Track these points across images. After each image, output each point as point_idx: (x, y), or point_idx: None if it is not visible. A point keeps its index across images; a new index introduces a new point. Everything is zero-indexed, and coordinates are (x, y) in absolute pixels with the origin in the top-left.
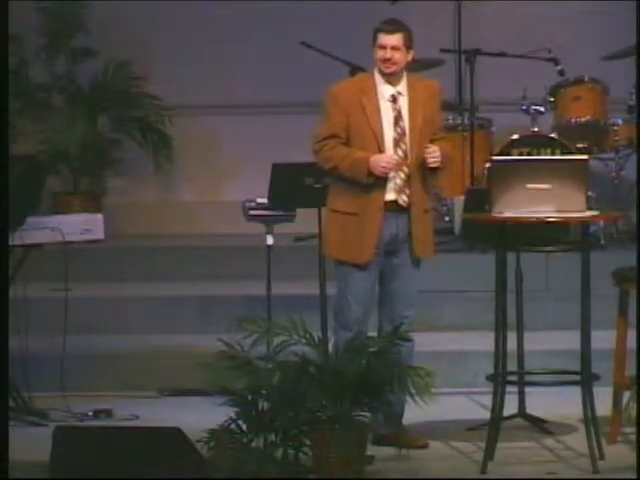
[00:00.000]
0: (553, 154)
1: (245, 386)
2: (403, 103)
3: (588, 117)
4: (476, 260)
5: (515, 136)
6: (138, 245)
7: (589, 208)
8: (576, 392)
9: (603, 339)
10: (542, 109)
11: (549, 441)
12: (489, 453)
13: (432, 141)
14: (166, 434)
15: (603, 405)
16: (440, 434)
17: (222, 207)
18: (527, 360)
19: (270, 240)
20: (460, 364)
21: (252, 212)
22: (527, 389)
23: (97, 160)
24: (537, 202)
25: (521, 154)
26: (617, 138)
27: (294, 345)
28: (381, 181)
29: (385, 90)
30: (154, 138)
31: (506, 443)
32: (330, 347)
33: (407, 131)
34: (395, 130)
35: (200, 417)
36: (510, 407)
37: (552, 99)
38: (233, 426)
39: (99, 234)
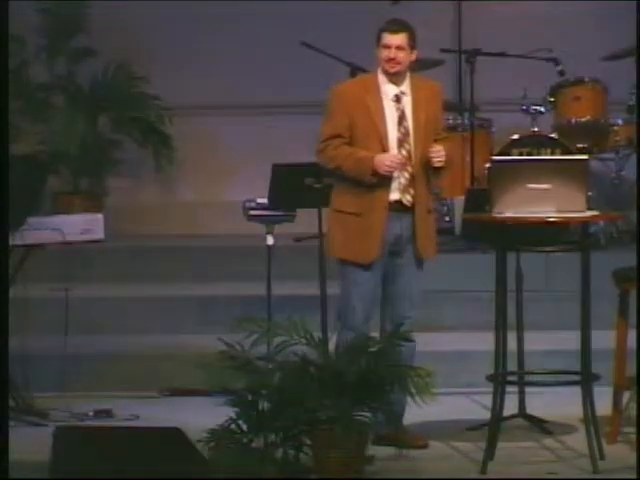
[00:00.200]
0: (553, 154)
1: (245, 386)
2: (407, 103)
3: (588, 117)
4: (476, 260)
5: (515, 136)
6: (138, 245)
7: (589, 208)
8: (576, 392)
9: (603, 339)
10: (542, 109)
11: (549, 441)
12: (489, 453)
13: (435, 141)
14: (166, 434)
15: (603, 405)
16: (440, 434)
17: (222, 207)
18: (527, 360)
19: (270, 240)
20: (460, 364)
21: (252, 212)
22: (527, 389)
23: (97, 160)
24: (537, 202)
25: (521, 154)
26: (617, 138)
27: (294, 345)
28: (385, 181)
29: (389, 90)
30: (154, 138)
31: (506, 443)
32: (331, 347)
33: (411, 131)
34: (399, 130)
35: (200, 417)
36: (510, 407)
37: (552, 99)
38: (233, 426)
39: (99, 234)
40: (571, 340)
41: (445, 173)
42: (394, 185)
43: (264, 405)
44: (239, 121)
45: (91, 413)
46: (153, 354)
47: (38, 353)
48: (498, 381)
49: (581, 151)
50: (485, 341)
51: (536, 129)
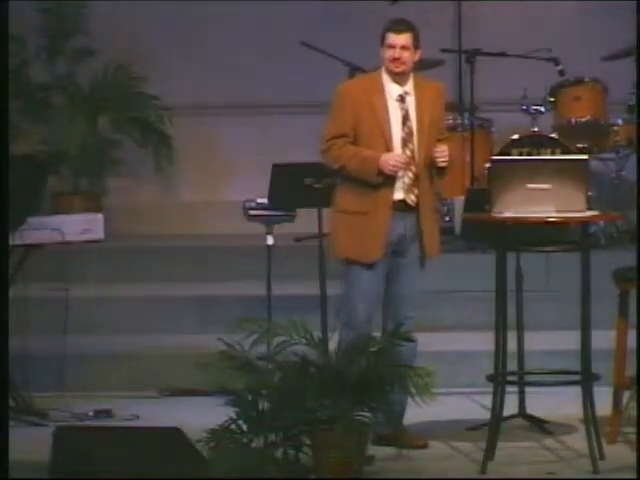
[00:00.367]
0: (553, 154)
1: (245, 386)
2: (410, 103)
3: (588, 117)
4: (476, 260)
5: (515, 136)
6: (138, 245)
7: (589, 208)
8: (576, 392)
9: (603, 339)
10: (542, 109)
11: (549, 441)
12: (489, 453)
13: (439, 141)
14: (166, 434)
15: (603, 405)
16: (440, 434)
17: (222, 207)
18: (527, 360)
19: (270, 240)
20: (460, 364)
21: (252, 212)
22: (527, 389)
23: (97, 160)
24: (537, 202)
25: (521, 154)
26: (617, 138)
27: (294, 345)
28: (390, 180)
29: (393, 89)
30: (154, 138)
31: (506, 443)
32: (331, 347)
33: (414, 131)
34: (403, 130)
35: (200, 417)
36: (510, 407)
37: (552, 99)
38: (233, 426)
39: (99, 234)
40: (571, 340)
41: (447, 173)
42: (398, 184)
43: (264, 405)
44: (239, 121)
45: (91, 413)
46: (153, 354)
47: (38, 353)
48: (498, 381)
49: (581, 151)
50: (485, 341)
51: (536, 129)
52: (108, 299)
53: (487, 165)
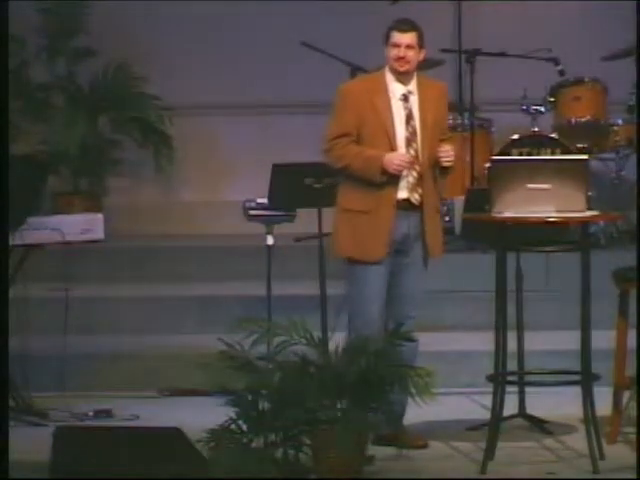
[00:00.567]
0: (553, 154)
1: (245, 386)
2: (414, 102)
3: (588, 117)
4: (476, 260)
5: (515, 136)
6: (138, 245)
7: (589, 208)
8: (576, 392)
9: (603, 339)
10: (542, 109)
11: (549, 441)
12: (489, 453)
13: (442, 141)
14: (166, 434)
15: (603, 405)
16: (440, 434)
17: (222, 207)
18: (527, 360)
19: (270, 240)
20: (460, 364)
21: (252, 212)
22: (527, 389)
23: (97, 160)
24: (537, 202)
25: (521, 154)
26: (617, 138)
27: (294, 345)
28: (393, 179)
29: (396, 89)
30: (154, 138)
31: (506, 443)
32: (331, 347)
33: (418, 130)
34: (407, 129)
35: (200, 417)
36: (510, 407)
37: (552, 99)
38: (233, 426)
39: (99, 234)
40: (571, 340)
41: (451, 173)
42: (402, 184)
43: (264, 405)
44: (239, 121)
45: (91, 413)
46: (153, 354)
47: (38, 353)
48: (498, 381)
49: (581, 151)
50: (485, 341)
51: (536, 129)
52: (108, 299)
53: (487, 165)
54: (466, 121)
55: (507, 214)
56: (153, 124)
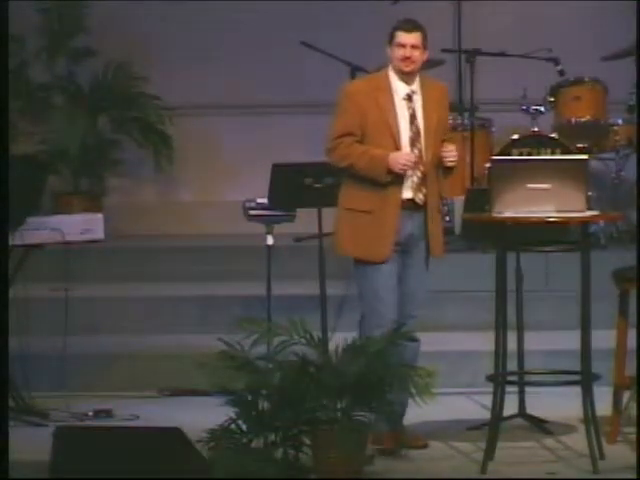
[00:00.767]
0: (553, 154)
1: (245, 386)
2: (417, 102)
3: (588, 117)
4: (476, 260)
5: (515, 136)
6: (138, 245)
7: (589, 208)
8: (576, 392)
9: (603, 339)
10: (542, 109)
11: (549, 441)
12: (489, 453)
13: (444, 141)
14: (166, 434)
15: (603, 405)
16: (440, 434)
17: (222, 207)
18: (527, 360)
19: (270, 240)
20: (460, 364)
21: (252, 212)
22: (527, 389)
23: (97, 160)
24: (537, 202)
25: (521, 154)
26: (617, 138)
27: (294, 345)
28: (398, 179)
29: (400, 88)
30: (154, 138)
31: (506, 443)
32: (331, 347)
33: (422, 130)
34: (411, 129)
35: (200, 417)
36: (510, 407)
37: (552, 99)
38: (233, 426)
39: (99, 234)
40: (571, 340)
41: (453, 173)
42: (407, 184)
43: (264, 405)
44: (239, 121)
45: (91, 413)
46: (153, 354)
47: (38, 353)
48: (498, 381)
49: (581, 151)
50: (485, 341)
51: (536, 129)
52: (108, 299)
53: (487, 165)
54: (466, 121)
55: (507, 214)
56: (153, 124)
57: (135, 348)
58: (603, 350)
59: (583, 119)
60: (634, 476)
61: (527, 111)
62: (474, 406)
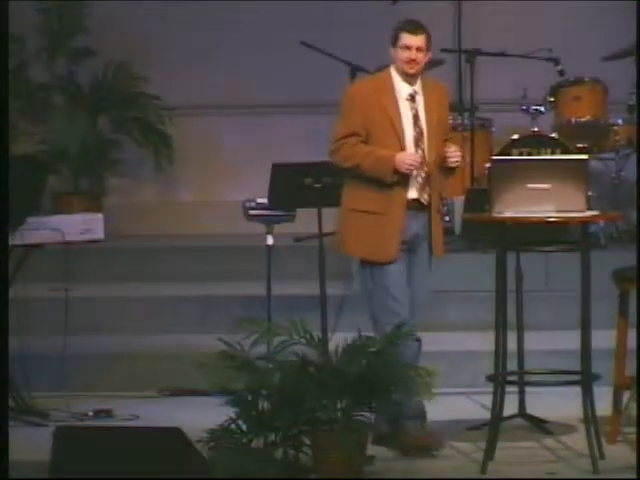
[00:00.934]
0: (553, 154)
1: (245, 386)
2: (419, 102)
3: (588, 117)
4: (476, 260)
5: (515, 136)
6: (138, 245)
7: (589, 208)
8: (576, 392)
9: (603, 339)
10: (542, 109)
11: (549, 441)
12: (489, 453)
13: (445, 141)
14: (166, 434)
15: (603, 405)
16: (440, 434)
17: (222, 207)
18: (527, 360)
19: (270, 240)
20: (460, 364)
21: (252, 212)
22: (527, 389)
23: (97, 160)
24: (537, 202)
25: (521, 154)
26: (617, 138)
27: (294, 345)
28: (404, 179)
29: (403, 89)
30: (154, 138)
31: (506, 443)
32: (331, 347)
33: (424, 130)
34: (414, 129)
35: (200, 417)
36: (510, 407)
37: (552, 99)
38: (233, 426)
39: (99, 234)
40: (571, 340)
41: (456, 173)
42: (412, 184)
43: (264, 405)
44: (239, 121)
45: (91, 413)
46: (153, 354)
47: (38, 353)
48: (498, 381)
49: (581, 151)
50: (485, 341)
51: (536, 129)
52: (108, 299)
53: (487, 165)
54: (466, 121)
55: (507, 214)
56: (153, 124)
57: (135, 348)
58: (603, 350)
59: (583, 119)
60: (634, 476)
61: (527, 111)
62: (474, 406)
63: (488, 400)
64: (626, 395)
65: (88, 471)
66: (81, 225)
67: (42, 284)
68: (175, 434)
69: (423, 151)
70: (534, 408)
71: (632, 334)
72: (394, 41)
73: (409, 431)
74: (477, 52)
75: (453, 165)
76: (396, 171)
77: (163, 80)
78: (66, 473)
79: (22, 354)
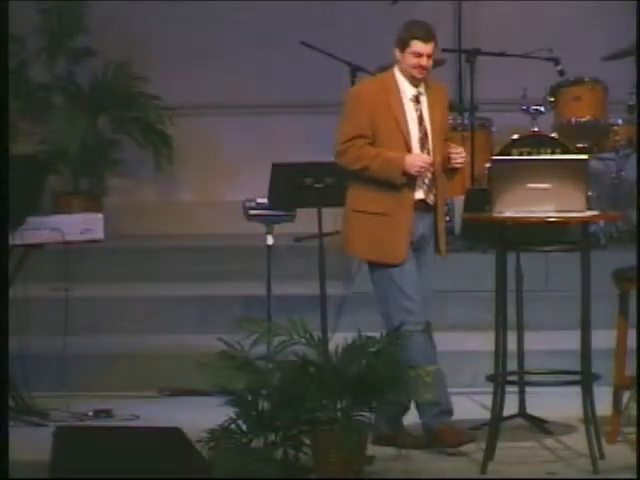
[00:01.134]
0: (553, 154)
1: (245, 386)
2: (423, 103)
3: (588, 117)
4: (476, 260)
5: (515, 136)
6: (138, 245)
7: (589, 208)
8: (576, 392)
9: (603, 339)
10: (542, 109)
11: (549, 441)
12: (489, 453)
13: (446, 140)
14: (166, 434)
15: (603, 405)
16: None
17: (222, 207)
18: (527, 360)
19: (270, 240)
20: (460, 364)
21: (252, 212)
22: (527, 389)
23: (97, 160)
24: (537, 202)
25: (521, 154)
26: (617, 138)
27: (294, 345)
28: (411, 180)
29: (407, 90)
30: (154, 138)
31: (506, 443)
32: (331, 347)
33: (429, 131)
34: (420, 130)
35: (200, 417)
36: (510, 407)
37: (552, 99)
38: (233, 426)
39: (99, 234)
40: (571, 340)
41: (459, 174)
42: (419, 185)
43: (264, 405)
44: (239, 121)
45: (91, 413)
46: (153, 354)
47: (38, 353)
48: (498, 381)
49: (581, 151)
50: (485, 341)
51: (536, 129)
52: (108, 299)
53: (487, 165)
54: (466, 121)
55: (507, 214)
56: (153, 124)
57: (135, 348)
58: (603, 350)
59: (583, 119)
60: (634, 476)
61: (527, 111)
62: (474, 406)
63: (488, 400)
64: (626, 395)
65: (88, 471)
66: (81, 225)
67: (42, 284)
68: (175, 434)
69: (428, 152)
70: (534, 408)
71: (632, 334)
72: (402, 45)
73: (441, 428)
74: (477, 52)
75: (458, 166)
76: (405, 173)
77: (163, 80)
78: (66, 473)
79: (22, 354)
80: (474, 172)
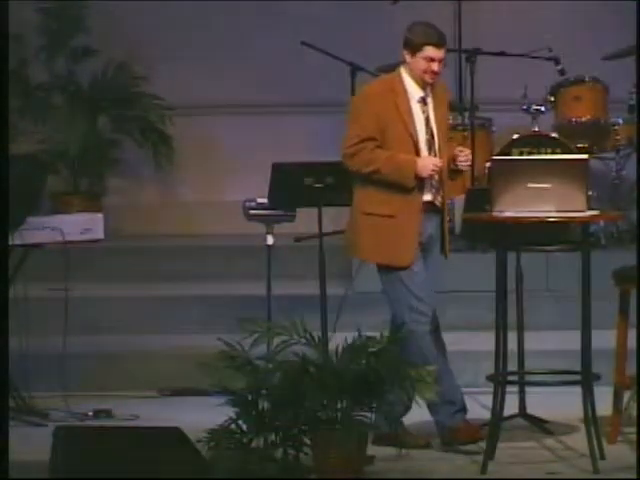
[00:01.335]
0: (553, 154)
1: (245, 386)
2: (430, 105)
3: (588, 117)
4: (476, 260)
5: (515, 136)
6: (138, 245)
7: (589, 208)
8: (576, 392)
9: (603, 339)
10: (542, 109)
11: (549, 441)
12: (489, 453)
13: (448, 140)
14: (166, 434)
15: (603, 405)
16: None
17: (222, 207)
18: (527, 360)
19: (270, 240)
20: (460, 364)
21: (252, 212)
22: (527, 389)
23: (97, 160)
24: (537, 202)
25: (521, 154)
26: (617, 138)
27: (294, 345)
28: (419, 183)
29: (414, 91)
30: (154, 138)
31: (506, 443)
32: (331, 347)
33: (435, 133)
34: (427, 132)
35: (200, 417)
36: (510, 407)
37: (552, 99)
38: (233, 426)
39: (99, 234)
40: (571, 340)
41: (463, 175)
42: (427, 187)
43: (264, 405)
44: (239, 121)
45: (91, 413)
46: (153, 354)
47: (38, 353)
48: (498, 381)
49: (581, 151)
50: (485, 341)
51: (536, 129)
52: (108, 299)
53: (487, 165)
54: (466, 121)
55: (507, 214)
56: (153, 124)
57: (135, 348)
58: (603, 350)
59: (583, 119)
60: (634, 476)
61: (527, 111)
62: (474, 406)
63: (488, 400)
64: (626, 395)
65: (88, 471)
66: (81, 225)
67: (42, 284)
68: (175, 434)
69: (435, 154)
70: (534, 408)
71: (632, 334)
72: (414, 49)
73: (456, 425)
74: (477, 52)
75: (464, 168)
76: (416, 176)
77: (163, 80)
78: (66, 473)
79: (22, 354)
80: (474, 172)
